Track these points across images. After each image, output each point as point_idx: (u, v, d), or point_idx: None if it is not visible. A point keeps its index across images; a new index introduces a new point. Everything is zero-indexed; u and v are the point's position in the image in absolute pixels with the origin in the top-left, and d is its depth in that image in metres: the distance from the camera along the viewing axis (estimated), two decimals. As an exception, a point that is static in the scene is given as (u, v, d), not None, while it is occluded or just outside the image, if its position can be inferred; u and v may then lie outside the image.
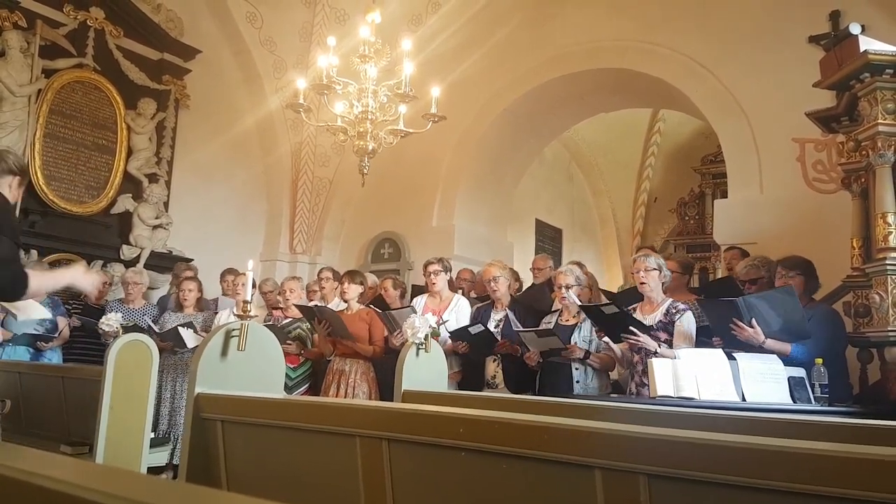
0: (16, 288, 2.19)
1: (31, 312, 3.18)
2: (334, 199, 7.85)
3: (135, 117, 6.49)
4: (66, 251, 5.91)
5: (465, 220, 7.21)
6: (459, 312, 4.46)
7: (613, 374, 4.06)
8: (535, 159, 8.43)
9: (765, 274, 3.78)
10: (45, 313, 3.67)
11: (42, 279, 2.35)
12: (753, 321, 3.23)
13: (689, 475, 1.41)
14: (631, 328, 3.48)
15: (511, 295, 4.53)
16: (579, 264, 4.72)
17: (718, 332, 3.47)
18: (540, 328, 3.85)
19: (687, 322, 3.50)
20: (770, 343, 3.24)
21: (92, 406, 3.48)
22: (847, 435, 1.97)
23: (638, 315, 3.65)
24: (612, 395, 3.83)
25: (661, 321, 3.54)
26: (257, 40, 7.22)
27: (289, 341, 4.49)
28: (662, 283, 3.65)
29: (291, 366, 4.47)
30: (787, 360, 3.22)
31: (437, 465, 1.83)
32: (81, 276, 2.57)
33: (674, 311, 3.53)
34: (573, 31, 6.49)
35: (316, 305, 4.57)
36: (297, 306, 4.73)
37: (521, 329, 3.96)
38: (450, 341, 4.22)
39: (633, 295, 3.98)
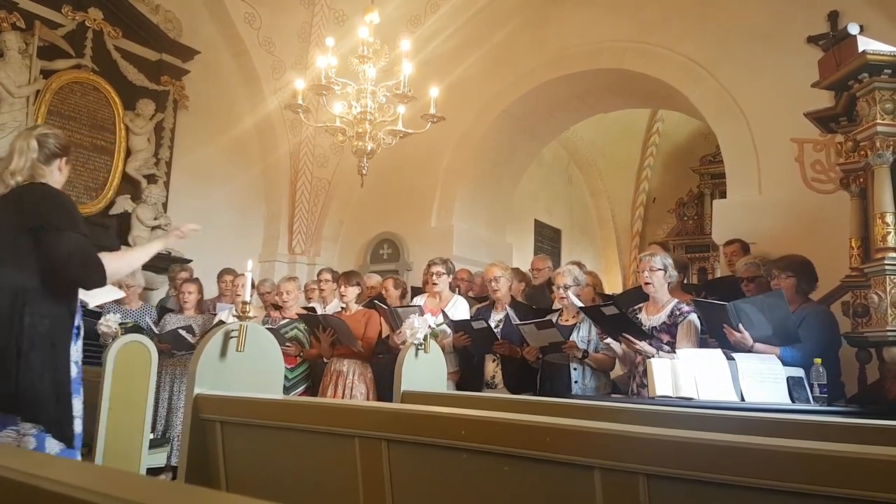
0: (92, 277, 2.17)
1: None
2: (333, 199, 7.85)
3: (133, 118, 6.48)
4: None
5: (464, 221, 7.21)
6: (457, 312, 4.46)
7: (613, 374, 4.06)
8: (534, 160, 8.43)
9: (764, 272, 3.79)
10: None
11: (120, 260, 2.34)
12: (741, 326, 3.24)
13: (687, 475, 1.41)
14: (625, 335, 3.48)
15: (513, 296, 4.52)
16: (579, 264, 4.71)
17: (712, 334, 3.48)
18: (539, 320, 3.84)
19: (691, 324, 3.49)
20: (759, 347, 3.27)
21: (91, 407, 3.47)
22: (846, 435, 1.97)
23: (643, 316, 3.65)
24: (613, 396, 3.82)
25: (664, 323, 3.53)
26: (256, 41, 7.22)
27: (287, 343, 4.48)
28: (668, 284, 3.64)
29: (289, 366, 4.47)
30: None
31: (437, 465, 1.83)
32: (168, 239, 2.58)
33: (678, 312, 3.52)
34: (572, 33, 6.50)
35: (322, 314, 4.56)
36: (301, 314, 4.73)
37: (521, 322, 3.95)
38: (450, 331, 4.21)
39: (637, 295, 3.98)
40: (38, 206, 2.19)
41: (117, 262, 2.30)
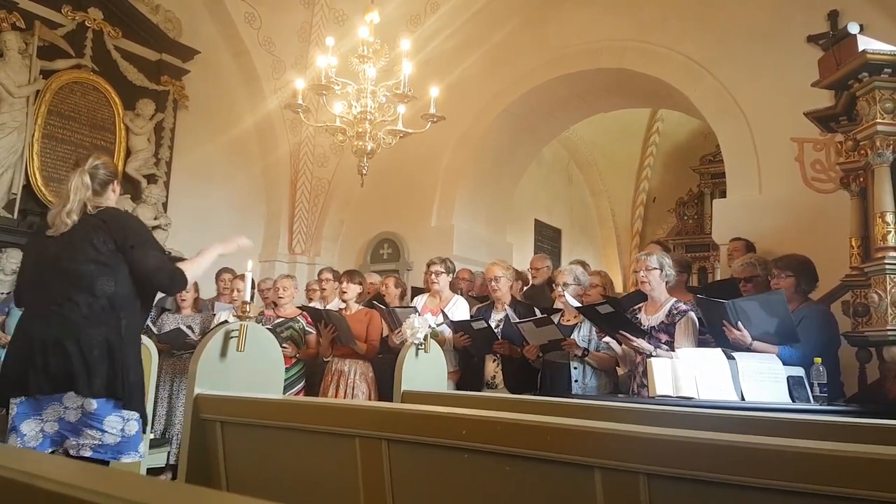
0: (176, 284, 2.62)
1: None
2: (333, 199, 7.85)
3: (133, 118, 6.48)
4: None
5: (465, 221, 7.21)
6: (457, 312, 4.46)
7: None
8: (534, 160, 8.43)
9: (760, 272, 3.78)
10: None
11: (195, 265, 2.70)
12: (740, 324, 3.24)
13: (688, 475, 1.41)
14: (623, 332, 3.47)
15: (513, 296, 4.52)
16: (583, 264, 4.70)
17: (711, 332, 3.47)
18: (537, 317, 3.84)
19: (689, 322, 3.48)
20: (757, 345, 3.27)
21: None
22: (846, 434, 1.97)
23: (642, 316, 3.64)
24: (614, 395, 3.82)
25: (662, 322, 3.53)
26: (256, 41, 7.21)
27: (284, 344, 4.46)
28: (666, 283, 3.63)
29: (284, 366, 4.44)
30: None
31: (437, 465, 1.83)
32: (225, 247, 2.91)
33: (675, 311, 3.52)
34: (572, 32, 6.50)
35: (325, 309, 4.55)
36: (304, 308, 4.72)
37: (520, 320, 3.94)
38: (449, 332, 4.21)
39: (638, 296, 3.97)
40: (126, 228, 2.57)
41: (193, 268, 2.67)
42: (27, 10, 5.79)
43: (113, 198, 2.69)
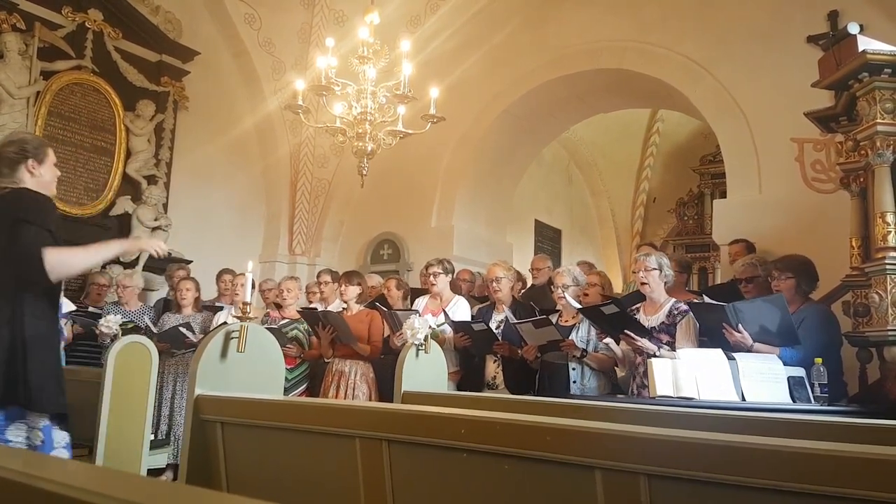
0: (32, 269, 2.17)
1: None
2: (333, 200, 7.85)
3: (133, 119, 6.48)
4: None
5: (465, 221, 7.21)
6: (458, 312, 4.45)
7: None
8: (534, 160, 8.43)
9: (761, 273, 3.78)
10: (67, 305, 3.70)
11: (64, 254, 2.25)
12: (740, 326, 3.24)
13: (689, 475, 1.41)
14: (627, 332, 3.47)
15: (514, 297, 4.52)
16: (590, 265, 4.68)
17: (710, 338, 3.46)
18: (536, 318, 3.83)
19: (690, 322, 3.48)
20: (758, 347, 3.26)
21: (92, 408, 3.48)
22: (847, 434, 1.97)
23: (641, 316, 3.64)
24: (613, 396, 3.81)
25: (663, 323, 3.52)
26: (256, 42, 7.22)
27: (288, 345, 4.48)
28: (665, 283, 3.62)
29: (288, 367, 4.46)
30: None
31: (437, 465, 1.83)
32: (130, 245, 2.71)
33: (676, 311, 3.51)
34: (572, 33, 6.50)
35: (322, 311, 4.56)
36: (301, 311, 4.73)
37: (518, 321, 3.94)
38: (450, 331, 4.20)
39: (637, 296, 3.97)
40: (23, 202, 2.27)
41: (60, 256, 2.22)
42: (27, 11, 5.79)
43: (29, 179, 2.36)
